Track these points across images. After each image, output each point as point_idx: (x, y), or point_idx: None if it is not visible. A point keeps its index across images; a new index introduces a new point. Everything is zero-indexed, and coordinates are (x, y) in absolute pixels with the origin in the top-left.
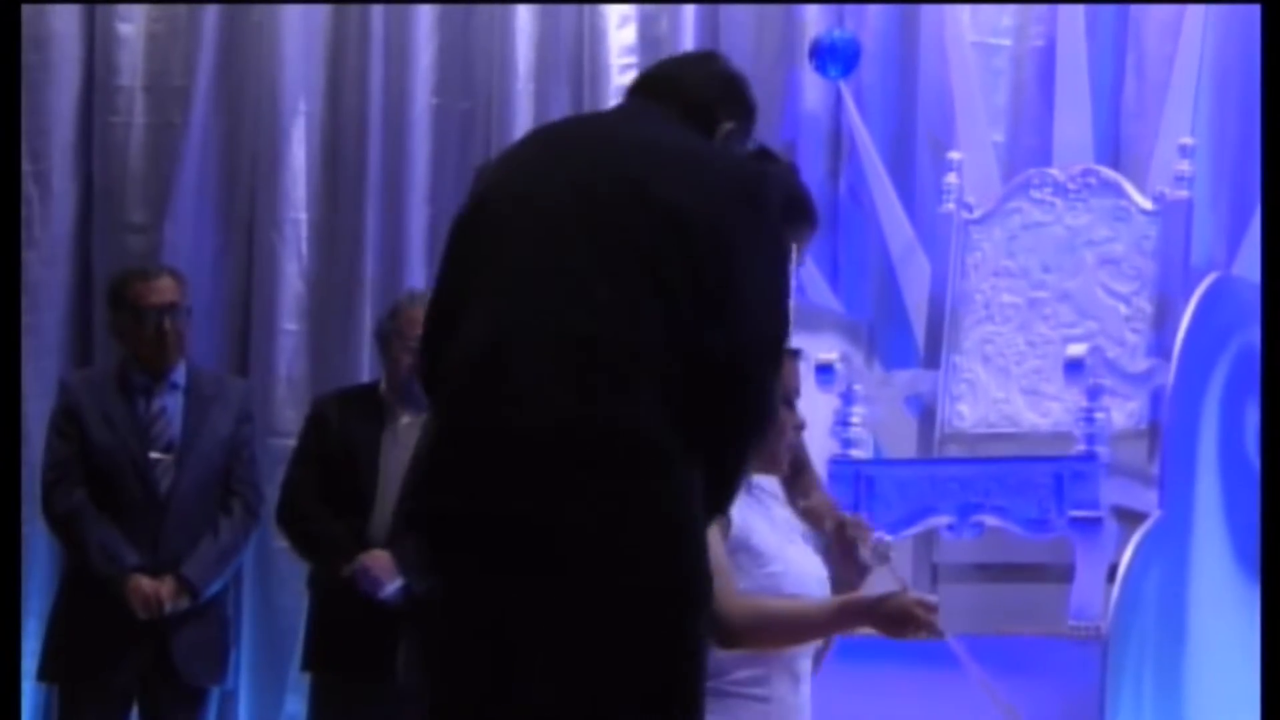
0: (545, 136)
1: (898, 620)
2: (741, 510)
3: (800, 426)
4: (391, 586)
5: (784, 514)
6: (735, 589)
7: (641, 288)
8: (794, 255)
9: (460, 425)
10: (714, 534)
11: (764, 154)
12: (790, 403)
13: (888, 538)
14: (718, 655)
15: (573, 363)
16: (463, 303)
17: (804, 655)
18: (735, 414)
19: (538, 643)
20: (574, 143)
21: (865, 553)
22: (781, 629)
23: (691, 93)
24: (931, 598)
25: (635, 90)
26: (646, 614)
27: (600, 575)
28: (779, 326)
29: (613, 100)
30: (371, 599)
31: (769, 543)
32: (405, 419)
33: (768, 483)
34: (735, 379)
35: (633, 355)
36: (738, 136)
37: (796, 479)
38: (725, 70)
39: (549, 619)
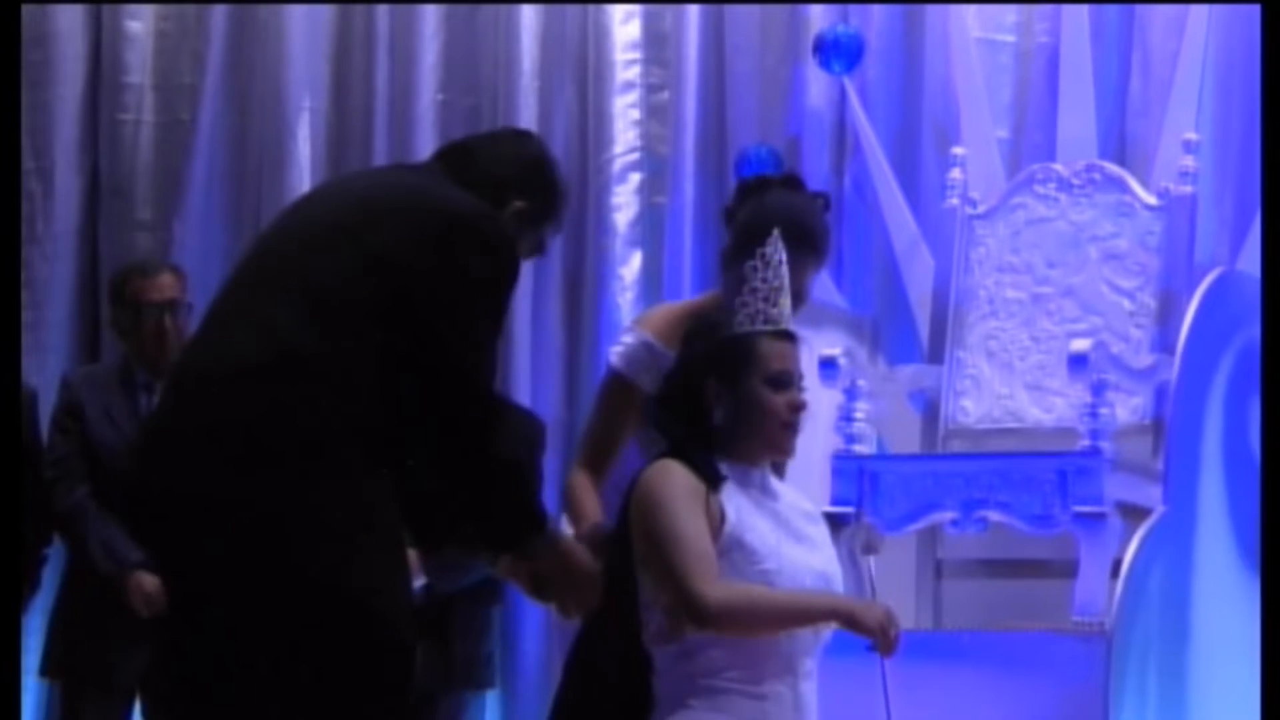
0: (308, 193)
1: (871, 630)
2: (737, 507)
3: (797, 408)
4: (414, 585)
5: (789, 510)
6: (715, 573)
7: (332, 316)
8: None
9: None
10: (698, 517)
11: (792, 182)
12: (782, 384)
13: (875, 530)
14: (710, 653)
15: (242, 376)
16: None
17: (805, 653)
18: (440, 428)
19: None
20: (311, 198)
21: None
22: (759, 611)
23: (483, 169)
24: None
25: (437, 154)
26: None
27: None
28: (467, 352)
29: (616, 97)
30: None
31: (765, 540)
32: None
33: (772, 479)
34: (433, 394)
35: (311, 371)
36: (529, 215)
37: None
38: (530, 153)
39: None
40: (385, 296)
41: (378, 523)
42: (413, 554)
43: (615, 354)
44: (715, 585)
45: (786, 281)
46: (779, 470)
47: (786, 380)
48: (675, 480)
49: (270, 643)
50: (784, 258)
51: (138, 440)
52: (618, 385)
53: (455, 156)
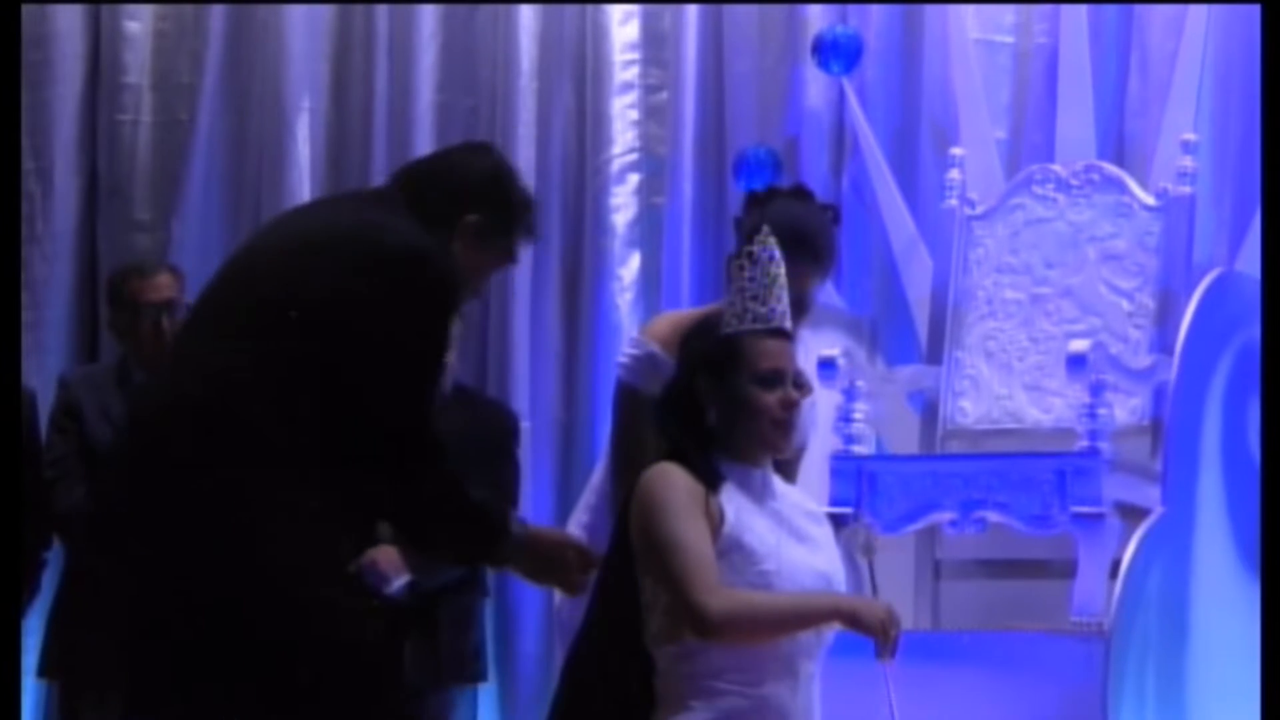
0: (260, 228)
1: (872, 628)
2: (737, 507)
3: (789, 405)
4: (398, 582)
5: (791, 510)
6: (715, 581)
7: (260, 355)
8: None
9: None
10: (698, 521)
11: (799, 192)
12: (772, 382)
13: (872, 531)
14: (710, 654)
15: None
16: None
17: (805, 655)
18: (376, 461)
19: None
20: (262, 234)
21: (854, 547)
22: (762, 617)
23: (435, 186)
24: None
25: (394, 175)
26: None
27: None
28: (400, 387)
29: (615, 97)
30: (377, 594)
31: (765, 541)
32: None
33: (774, 479)
34: (370, 429)
35: (251, 406)
36: (487, 228)
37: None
38: (483, 166)
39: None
40: (325, 333)
41: (328, 535)
42: (396, 551)
43: (622, 367)
44: (716, 595)
45: (780, 280)
46: (791, 473)
47: (777, 378)
48: (674, 484)
49: (243, 654)
50: (775, 255)
51: (98, 480)
52: (629, 397)
53: (409, 177)
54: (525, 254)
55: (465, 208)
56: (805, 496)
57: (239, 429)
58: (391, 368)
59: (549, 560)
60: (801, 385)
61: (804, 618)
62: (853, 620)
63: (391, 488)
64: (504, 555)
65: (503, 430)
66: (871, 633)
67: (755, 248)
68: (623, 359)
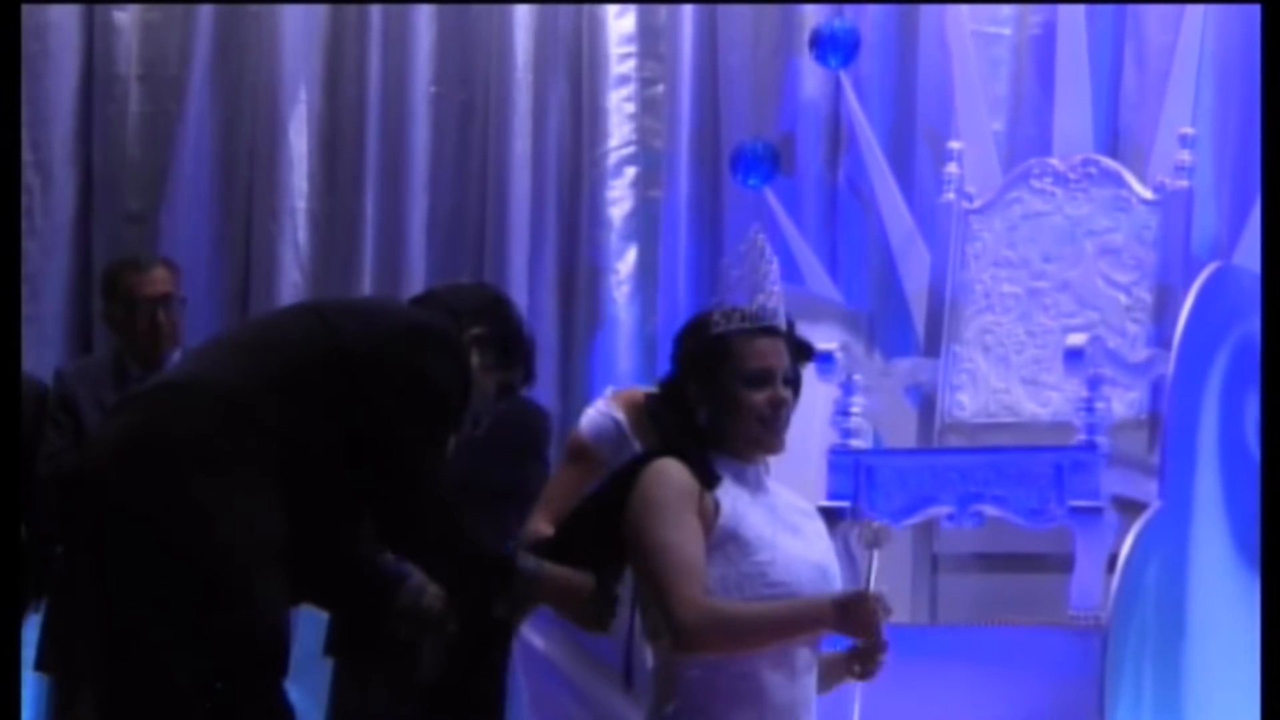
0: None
1: (862, 625)
2: (733, 499)
3: (777, 404)
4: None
5: (785, 506)
6: (697, 593)
7: (266, 366)
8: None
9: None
10: (688, 522)
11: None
12: (760, 381)
13: (877, 524)
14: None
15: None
16: None
17: (802, 647)
18: (384, 517)
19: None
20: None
21: (859, 537)
22: (740, 631)
23: (445, 303)
24: (888, 601)
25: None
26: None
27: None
28: (418, 454)
29: (611, 91)
30: None
31: (761, 533)
32: None
33: (766, 477)
34: (382, 489)
35: (212, 395)
36: (487, 340)
37: None
38: (487, 292)
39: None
40: (331, 373)
41: (244, 531)
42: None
43: (584, 417)
44: (694, 609)
45: (770, 277)
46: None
47: (765, 377)
48: (669, 481)
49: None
50: (765, 253)
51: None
52: (578, 449)
53: (421, 298)
54: (521, 255)
55: (469, 321)
56: (796, 494)
57: (193, 412)
58: (411, 426)
59: (563, 594)
60: (790, 381)
61: (784, 632)
62: (839, 631)
63: (393, 529)
64: (514, 591)
65: (534, 429)
66: (859, 638)
67: (743, 246)
68: (589, 412)
